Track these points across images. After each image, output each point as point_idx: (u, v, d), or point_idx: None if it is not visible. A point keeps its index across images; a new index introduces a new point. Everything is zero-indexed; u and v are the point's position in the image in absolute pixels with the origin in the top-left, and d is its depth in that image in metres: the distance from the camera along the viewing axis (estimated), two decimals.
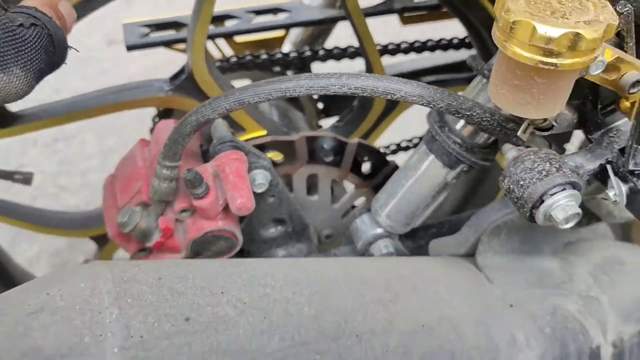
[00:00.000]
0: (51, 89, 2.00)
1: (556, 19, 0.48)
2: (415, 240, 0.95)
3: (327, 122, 1.24)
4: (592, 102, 0.62)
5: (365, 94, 0.66)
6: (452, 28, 1.15)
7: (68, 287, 0.56)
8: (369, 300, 0.69)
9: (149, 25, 1.00)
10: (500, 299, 0.78)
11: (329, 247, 1.05)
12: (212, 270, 0.63)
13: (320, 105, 1.18)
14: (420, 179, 0.83)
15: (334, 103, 1.19)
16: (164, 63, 2.13)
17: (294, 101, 1.16)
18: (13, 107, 0.86)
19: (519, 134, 0.63)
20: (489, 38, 0.97)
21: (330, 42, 1.18)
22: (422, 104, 0.66)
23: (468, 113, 0.66)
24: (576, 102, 0.63)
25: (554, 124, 0.62)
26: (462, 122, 0.76)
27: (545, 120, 0.61)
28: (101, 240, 1.01)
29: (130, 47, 0.97)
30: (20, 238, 1.63)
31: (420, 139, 1.23)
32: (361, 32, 0.91)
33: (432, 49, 1.06)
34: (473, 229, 0.80)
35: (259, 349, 0.59)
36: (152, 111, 1.11)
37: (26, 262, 1.61)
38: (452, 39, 1.07)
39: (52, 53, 0.58)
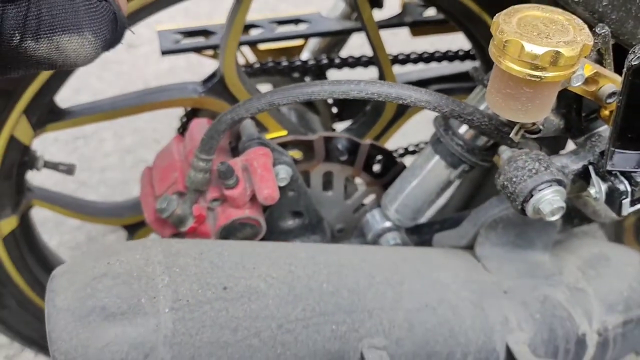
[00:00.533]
0: (72, 89, 2.12)
1: (541, 39, 0.59)
2: (420, 235, 1.06)
3: (341, 126, 1.36)
4: (577, 111, 0.74)
5: (380, 99, 0.77)
6: (459, 40, 1.27)
7: (126, 257, 0.67)
8: (378, 281, 0.80)
9: (181, 32, 1.12)
10: (496, 285, 0.88)
11: (341, 240, 1.16)
12: (244, 250, 0.74)
13: (334, 110, 1.29)
14: (426, 177, 0.94)
15: (347, 108, 1.30)
16: (182, 66, 2.26)
17: (311, 105, 1.27)
18: (62, 104, 0.97)
19: (511, 135, 0.74)
20: None
21: (346, 51, 1.30)
22: (429, 109, 0.78)
23: (469, 118, 0.77)
24: (563, 110, 0.74)
25: (541, 127, 0.73)
26: (464, 126, 0.87)
27: (534, 124, 0.72)
28: (132, 229, 1.12)
29: (165, 52, 1.09)
30: (40, 230, 1.75)
31: (426, 143, 1.35)
32: (375, 43, 1.02)
33: (439, 59, 1.18)
34: (472, 223, 0.91)
35: (284, 316, 0.70)
36: (164, 114, 1.22)
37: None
38: (457, 50, 1.18)
39: (114, 29, 0.61)
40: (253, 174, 0.87)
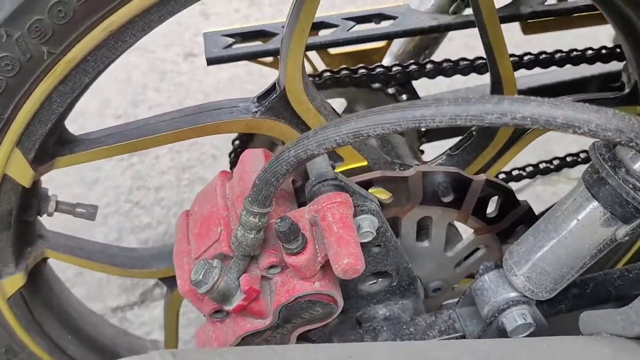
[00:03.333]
0: (129, 103, 1.89)
1: None
2: (552, 305, 0.72)
3: (429, 148, 1.03)
4: None
5: (535, 127, 0.45)
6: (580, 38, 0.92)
7: None
8: None
9: (232, 35, 0.83)
10: None
11: (436, 301, 0.84)
12: None
13: (422, 128, 0.97)
14: (578, 233, 0.61)
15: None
16: (242, 76, 1.99)
17: None
18: (75, 130, 0.70)
19: None
20: None
21: (439, 55, 0.97)
22: (620, 142, 0.44)
23: None
24: None
25: None
26: None
27: None
28: (171, 282, 0.84)
29: (210, 61, 0.80)
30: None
31: (552, 166, 1.00)
32: (494, 42, 0.69)
33: (576, 61, 0.83)
34: None
35: None
36: None
37: (95, 284, 1.49)
38: (600, 48, 0.83)
39: None
40: (327, 233, 0.56)
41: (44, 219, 0.81)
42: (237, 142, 0.88)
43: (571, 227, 0.61)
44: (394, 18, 0.87)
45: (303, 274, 0.58)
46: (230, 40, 0.82)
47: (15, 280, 0.72)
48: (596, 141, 0.59)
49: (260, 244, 0.57)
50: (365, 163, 0.76)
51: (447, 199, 0.71)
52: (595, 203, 0.59)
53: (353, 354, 0.46)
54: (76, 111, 0.67)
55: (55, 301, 0.81)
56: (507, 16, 0.85)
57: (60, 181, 1.60)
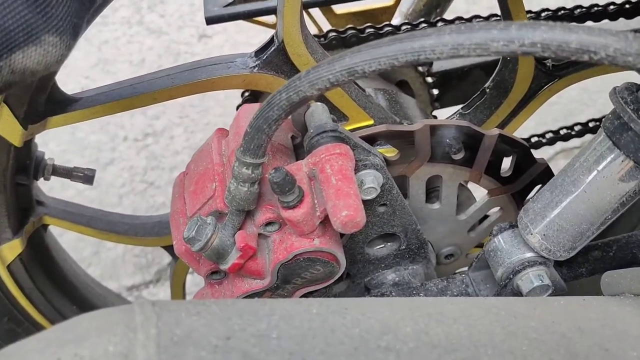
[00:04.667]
0: None
1: None
2: (572, 267, 0.67)
3: (442, 114, 0.98)
4: None
5: (547, 53, 0.40)
6: None
7: (89, 349, 0.34)
8: None
9: None
10: None
11: (450, 269, 0.80)
12: (306, 322, 0.40)
13: (435, 92, 0.92)
14: (599, 185, 0.56)
15: (452, 89, 0.93)
16: None
17: (403, 85, 0.91)
18: (70, 90, 0.68)
19: None
20: None
21: (450, 13, 0.92)
22: None
23: None
24: None
25: None
26: None
27: None
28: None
29: (210, 20, 0.77)
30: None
31: (586, 125, 0.94)
32: None
33: (597, 17, 0.78)
34: None
35: None
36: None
37: (110, 263, 1.48)
38: (623, 3, 0.77)
39: (82, 6, 0.44)
40: (325, 185, 0.52)
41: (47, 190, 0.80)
42: (241, 104, 0.85)
43: (590, 179, 0.56)
44: None
45: (301, 229, 0.54)
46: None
47: (14, 246, 0.70)
48: (617, 87, 0.54)
49: (255, 198, 0.54)
50: (371, 122, 0.72)
51: (458, 156, 0.66)
52: (617, 151, 0.54)
53: (350, 307, 0.42)
54: None
55: (57, 270, 0.79)
56: None
57: (74, 162, 1.60)
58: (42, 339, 0.36)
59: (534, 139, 0.97)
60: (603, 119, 0.56)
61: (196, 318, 0.37)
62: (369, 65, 0.44)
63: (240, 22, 0.80)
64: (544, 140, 0.98)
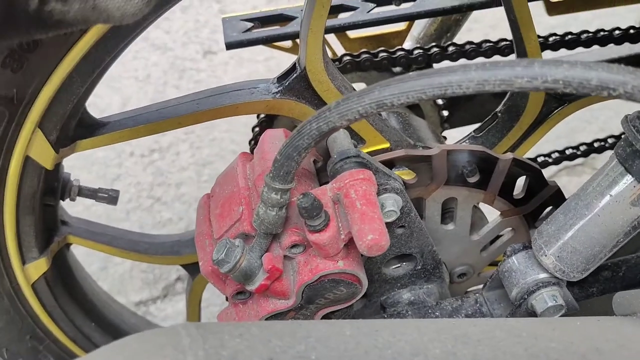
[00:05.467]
0: (149, 101, 1.89)
1: None
2: (583, 287, 0.70)
3: (451, 134, 1.01)
4: None
5: (568, 90, 0.43)
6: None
7: None
8: None
9: (251, 20, 0.82)
10: None
11: (462, 287, 0.82)
12: (342, 345, 0.42)
13: (444, 113, 0.95)
14: (612, 210, 0.58)
15: (461, 111, 0.96)
16: (261, 72, 1.98)
17: (414, 107, 0.94)
18: (97, 113, 0.70)
19: None
20: None
21: (461, 37, 0.95)
22: None
23: None
24: None
25: None
26: None
27: None
28: (193, 269, 0.83)
29: (230, 45, 0.79)
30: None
31: (590, 146, 0.97)
32: (520, 17, 0.67)
33: (603, 41, 0.81)
34: None
35: None
36: (247, 120, 0.93)
37: (118, 278, 1.49)
38: (628, 28, 0.81)
39: None
40: (350, 210, 0.55)
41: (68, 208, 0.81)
42: (257, 129, 0.87)
43: (604, 204, 0.59)
44: None
45: (326, 252, 0.56)
46: (249, 24, 0.82)
47: (39, 265, 0.71)
48: (628, 114, 0.57)
49: (283, 222, 0.56)
50: (387, 145, 0.74)
51: (473, 179, 0.69)
52: (629, 177, 0.57)
53: (379, 329, 0.45)
54: (98, 109, 0.67)
55: (78, 288, 0.81)
56: None
57: (82, 178, 1.61)
58: None
59: (540, 159, 1.00)
60: (615, 146, 0.58)
61: (239, 340, 0.39)
62: (397, 99, 0.46)
63: None
64: (550, 160, 1.01)
